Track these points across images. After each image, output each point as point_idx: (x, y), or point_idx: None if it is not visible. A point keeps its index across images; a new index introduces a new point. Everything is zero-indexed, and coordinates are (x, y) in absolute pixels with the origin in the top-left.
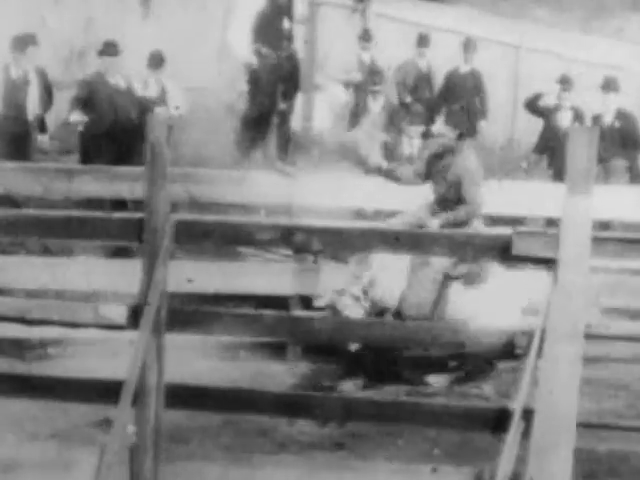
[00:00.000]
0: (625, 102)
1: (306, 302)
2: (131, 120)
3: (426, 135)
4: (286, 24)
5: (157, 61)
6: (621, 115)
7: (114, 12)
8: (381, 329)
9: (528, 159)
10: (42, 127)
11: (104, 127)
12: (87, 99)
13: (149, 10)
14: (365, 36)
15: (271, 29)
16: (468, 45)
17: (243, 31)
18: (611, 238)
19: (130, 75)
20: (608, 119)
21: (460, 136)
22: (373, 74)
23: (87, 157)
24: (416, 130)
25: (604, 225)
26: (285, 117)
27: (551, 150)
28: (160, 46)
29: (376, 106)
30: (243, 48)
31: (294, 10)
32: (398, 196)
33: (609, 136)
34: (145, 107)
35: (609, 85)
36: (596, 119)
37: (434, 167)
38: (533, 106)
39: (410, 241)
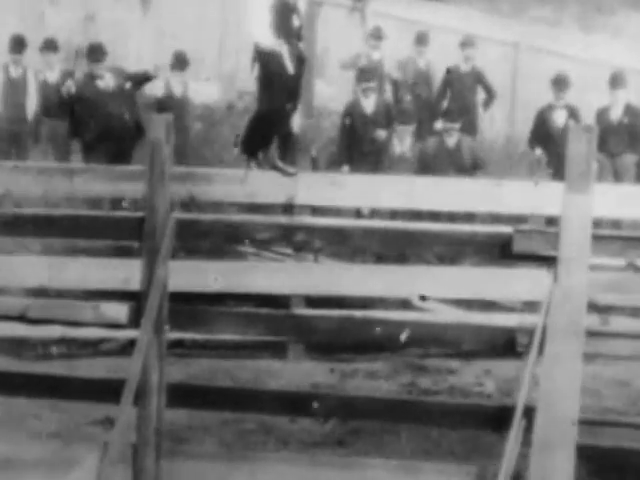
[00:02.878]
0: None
1: (307, 300)
2: (124, 121)
3: (418, 134)
4: (295, 22)
5: (181, 62)
6: (630, 110)
7: (114, 9)
8: (383, 327)
9: (532, 163)
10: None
11: (96, 130)
12: (76, 103)
13: (149, 7)
14: (376, 34)
15: (281, 26)
16: (466, 43)
17: (264, 25)
18: (611, 236)
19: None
20: (617, 115)
21: None
22: (364, 71)
23: (86, 159)
24: (406, 129)
25: (615, 224)
26: (288, 116)
27: (547, 148)
28: (160, 44)
29: (368, 103)
30: (268, 39)
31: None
32: (398, 195)
33: (618, 132)
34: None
35: (617, 80)
36: (601, 114)
37: None
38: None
39: (411, 239)
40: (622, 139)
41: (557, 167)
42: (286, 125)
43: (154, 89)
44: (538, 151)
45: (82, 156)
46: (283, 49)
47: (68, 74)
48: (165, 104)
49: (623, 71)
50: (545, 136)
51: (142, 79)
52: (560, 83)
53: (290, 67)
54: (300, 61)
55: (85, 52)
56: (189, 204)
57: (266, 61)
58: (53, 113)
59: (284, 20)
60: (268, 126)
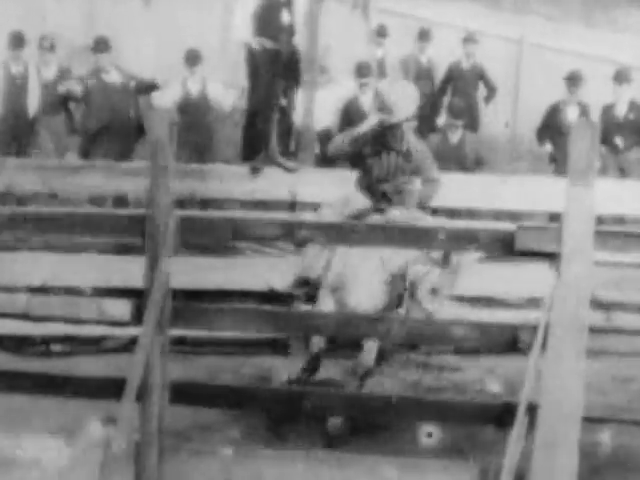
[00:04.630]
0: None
1: (310, 297)
2: (129, 117)
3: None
4: (285, 18)
5: (194, 60)
6: (635, 106)
7: (115, 6)
8: (385, 325)
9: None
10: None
11: (100, 125)
12: (82, 97)
13: (150, 4)
14: (381, 31)
15: (270, 22)
16: (468, 40)
17: (246, 23)
18: (614, 232)
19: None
20: (622, 110)
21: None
22: (361, 67)
23: (86, 155)
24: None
25: (618, 219)
26: (286, 112)
27: (557, 144)
28: (161, 41)
29: (366, 99)
30: (248, 39)
31: (295, 4)
32: None
33: (624, 128)
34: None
35: (621, 76)
36: (606, 110)
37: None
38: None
39: (413, 235)
40: (627, 135)
41: (564, 162)
42: (285, 121)
43: (171, 94)
44: (548, 146)
45: (81, 152)
46: (269, 45)
47: (65, 72)
48: (184, 107)
49: (628, 67)
50: (555, 131)
51: (148, 87)
52: (574, 80)
53: (278, 63)
54: (291, 57)
55: (91, 45)
56: (202, 202)
57: (252, 58)
58: (49, 110)
59: (271, 16)
60: (261, 123)
